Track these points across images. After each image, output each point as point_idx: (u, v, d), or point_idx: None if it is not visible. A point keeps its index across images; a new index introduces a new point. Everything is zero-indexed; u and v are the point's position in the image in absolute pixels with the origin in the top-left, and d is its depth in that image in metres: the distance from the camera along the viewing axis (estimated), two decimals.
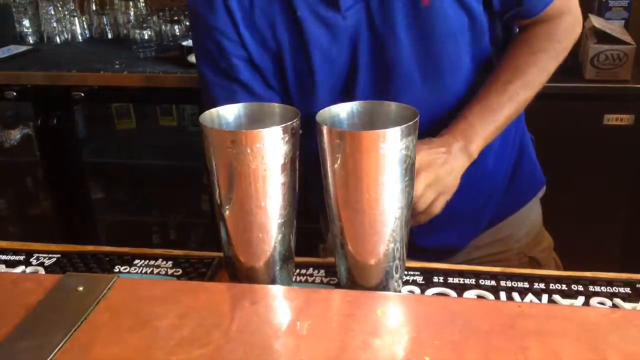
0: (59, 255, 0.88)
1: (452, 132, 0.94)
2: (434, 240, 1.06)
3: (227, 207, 0.71)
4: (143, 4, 2.57)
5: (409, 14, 0.94)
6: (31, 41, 2.57)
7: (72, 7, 2.58)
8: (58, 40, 2.55)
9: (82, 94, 2.16)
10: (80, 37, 2.58)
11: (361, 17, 0.94)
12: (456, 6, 0.93)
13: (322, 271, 0.82)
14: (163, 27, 2.45)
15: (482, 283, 0.78)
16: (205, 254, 0.88)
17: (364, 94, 0.97)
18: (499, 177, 1.12)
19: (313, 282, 0.81)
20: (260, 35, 0.96)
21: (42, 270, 0.85)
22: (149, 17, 2.50)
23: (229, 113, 0.75)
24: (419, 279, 0.79)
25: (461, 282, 0.79)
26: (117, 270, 0.84)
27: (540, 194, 1.21)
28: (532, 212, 1.19)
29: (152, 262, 0.86)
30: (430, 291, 0.77)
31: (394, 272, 0.73)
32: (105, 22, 2.60)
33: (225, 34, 0.96)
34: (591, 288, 0.77)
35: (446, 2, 0.93)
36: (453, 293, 0.76)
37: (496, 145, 1.04)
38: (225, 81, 0.99)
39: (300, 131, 0.72)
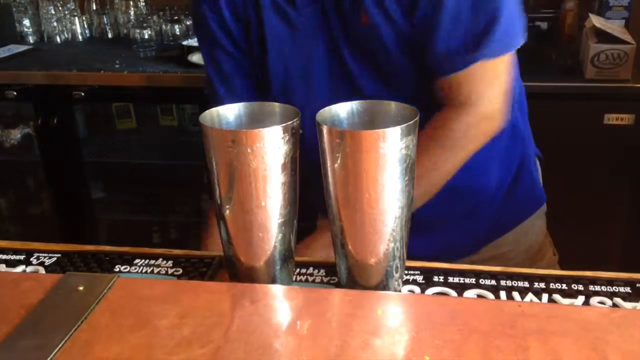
0: (59, 255, 0.88)
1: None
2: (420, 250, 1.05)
3: (227, 206, 0.72)
4: (143, 4, 2.58)
5: (353, 28, 0.95)
6: (31, 41, 2.57)
7: (72, 7, 2.59)
8: (58, 39, 2.55)
9: (83, 94, 2.16)
10: (80, 37, 2.58)
11: (318, 19, 0.95)
12: (389, 26, 0.93)
13: (322, 271, 0.82)
14: (163, 26, 2.45)
15: (483, 282, 0.78)
16: (206, 253, 0.88)
17: (321, 96, 0.97)
18: (487, 195, 1.10)
19: (313, 281, 0.81)
20: (235, 9, 1.00)
21: (42, 270, 0.85)
22: (150, 17, 2.51)
23: (229, 112, 0.75)
24: (419, 279, 0.79)
25: (461, 281, 0.79)
26: (118, 269, 0.84)
27: (541, 212, 1.18)
28: (531, 230, 1.17)
29: (152, 262, 0.86)
30: (430, 290, 0.77)
31: (394, 272, 0.73)
32: (106, 22, 2.61)
33: (207, 1, 1.01)
34: (591, 287, 0.77)
35: (381, 22, 0.93)
36: (453, 292, 0.77)
37: (477, 164, 1.01)
38: (212, 47, 1.05)
39: (301, 131, 0.72)
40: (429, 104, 0.97)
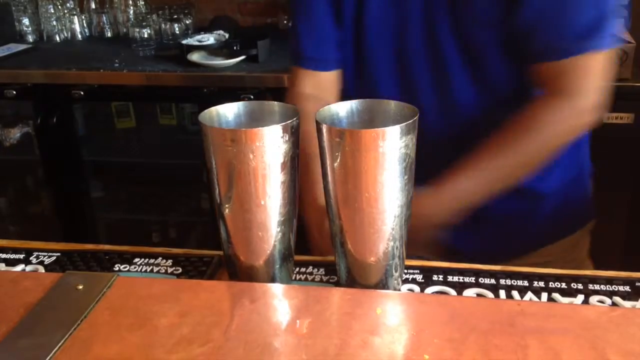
0: (59, 254, 0.88)
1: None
2: (472, 245, 1.02)
3: (226, 205, 0.72)
4: (143, 3, 2.58)
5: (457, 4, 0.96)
6: (31, 40, 2.57)
7: (71, 6, 2.58)
8: (58, 38, 2.55)
9: (82, 93, 2.16)
10: (79, 36, 2.58)
11: None
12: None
13: (321, 269, 0.82)
14: (163, 25, 2.45)
15: (482, 281, 0.78)
16: (205, 252, 0.88)
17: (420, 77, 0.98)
18: (542, 199, 1.08)
19: (313, 280, 0.81)
20: None
21: (42, 269, 0.85)
22: (149, 16, 2.50)
23: (228, 111, 0.75)
24: (419, 277, 0.80)
25: (461, 280, 0.79)
26: (117, 268, 0.84)
27: (587, 228, 1.16)
28: (580, 242, 1.15)
29: (152, 261, 0.86)
30: (429, 289, 0.77)
31: (394, 271, 0.73)
32: (105, 21, 2.60)
33: None
34: (591, 286, 0.77)
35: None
36: (452, 291, 0.77)
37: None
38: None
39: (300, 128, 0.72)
40: (515, 97, 0.96)
